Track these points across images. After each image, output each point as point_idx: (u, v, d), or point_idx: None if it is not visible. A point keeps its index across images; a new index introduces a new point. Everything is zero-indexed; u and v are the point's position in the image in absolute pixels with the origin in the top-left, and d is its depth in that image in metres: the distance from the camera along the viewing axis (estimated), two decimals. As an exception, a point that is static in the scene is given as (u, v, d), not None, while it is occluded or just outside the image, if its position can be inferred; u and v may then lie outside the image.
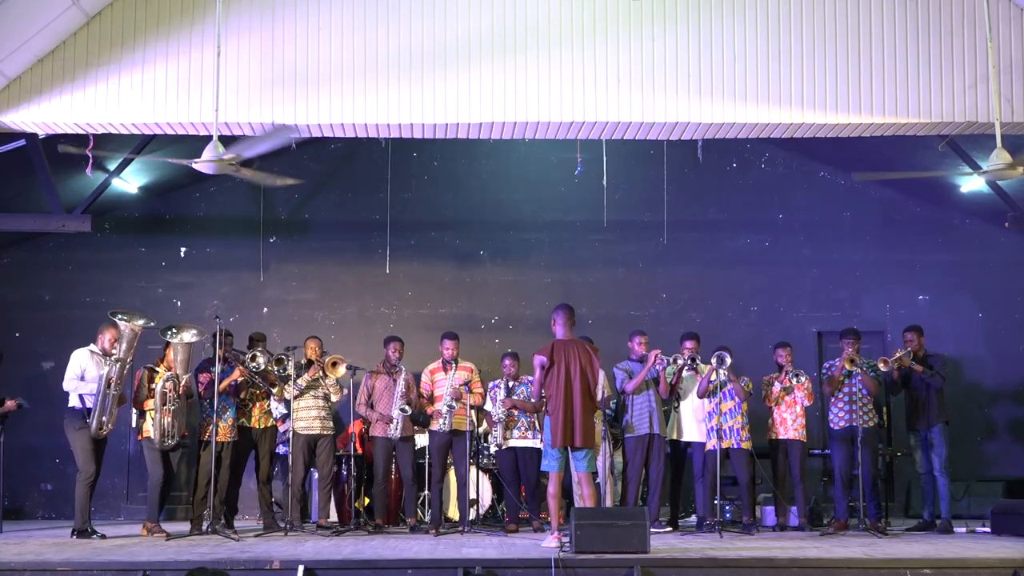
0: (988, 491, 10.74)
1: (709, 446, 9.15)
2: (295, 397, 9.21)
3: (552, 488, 7.78)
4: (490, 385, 9.71)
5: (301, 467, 9.32)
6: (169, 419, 8.62)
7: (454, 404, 9.24)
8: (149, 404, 8.67)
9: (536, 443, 9.50)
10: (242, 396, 9.14)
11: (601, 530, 6.93)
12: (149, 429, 8.67)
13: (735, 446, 9.14)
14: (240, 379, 9.01)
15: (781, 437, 9.39)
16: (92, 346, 8.75)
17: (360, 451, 10.01)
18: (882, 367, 9.27)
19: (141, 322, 8.63)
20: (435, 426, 9.34)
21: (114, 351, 8.58)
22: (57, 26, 8.51)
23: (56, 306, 11.67)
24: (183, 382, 8.72)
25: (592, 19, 8.77)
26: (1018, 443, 11.58)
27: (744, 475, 9.19)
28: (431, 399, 9.47)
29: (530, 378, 9.64)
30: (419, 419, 9.63)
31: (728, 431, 9.14)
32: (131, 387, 9.03)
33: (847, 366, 9.08)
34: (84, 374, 8.59)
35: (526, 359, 9.83)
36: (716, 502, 8.98)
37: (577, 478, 7.86)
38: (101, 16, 8.72)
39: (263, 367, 9.03)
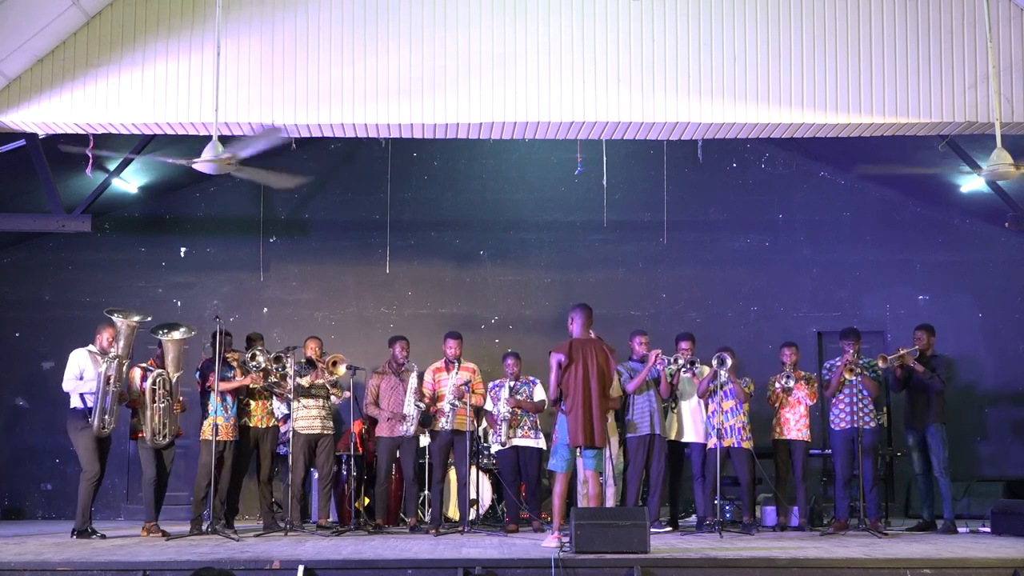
0: (988, 491, 10.73)
1: (710, 445, 9.16)
2: (295, 397, 9.20)
3: (558, 487, 7.76)
4: (491, 385, 9.70)
5: (301, 467, 9.32)
6: (159, 416, 8.62)
7: (457, 403, 9.23)
8: (140, 401, 8.66)
9: (538, 443, 9.50)
10: (242, 396, 9.14)
11: (601, 530, 6.93)
12: (142, 428, 8.67)
13: (736, 445, 9.14)
14: (252, 385, 9.02)
15: (784, 437, 9.40)
16: (91, 346, 8.75)
17: (360, 451, 10.01)
18: (881, 364, 9.28)
19: (137, 318, 8.65)
20: (438, 425, 9.34)
21: (112, 349, 8.58)
22: (57, 26, 8.51)
23: (56, 306, 11.66)
24: (173, 380, 8.71)
25: (592, 19, 8.77)
26: (1018, 443, 11.58)
27: (745, 475, 9.19)
28: (434, 398, 9.47)
29: (532, 378, 9.66)
30: (423, 419, 9.63)
31: (729, 430, 9.14)
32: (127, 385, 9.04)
33: (846, 374, 9.06)
34: (83, 374, 8.59)
35: (528, 359, 9.86)
36: (716, 502, 8.99)
37: (584, 476, 7.85)
38: (101, 16, 8.71)
39: (263, 366, 9.03)
